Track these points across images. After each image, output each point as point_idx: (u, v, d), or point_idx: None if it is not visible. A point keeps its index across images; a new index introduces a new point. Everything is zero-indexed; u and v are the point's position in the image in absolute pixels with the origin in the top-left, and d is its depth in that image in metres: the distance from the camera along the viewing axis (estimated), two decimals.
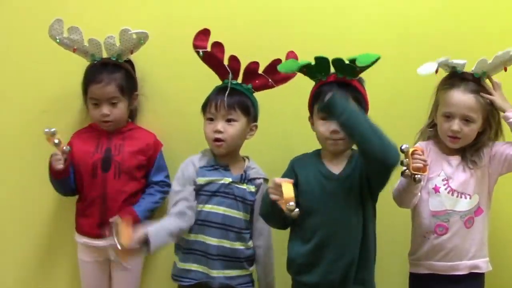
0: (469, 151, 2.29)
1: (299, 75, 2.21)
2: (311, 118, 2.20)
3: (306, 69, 2.17)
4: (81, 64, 2.42)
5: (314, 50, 2.47)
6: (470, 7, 2.54)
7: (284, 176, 2.15)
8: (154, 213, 2.44)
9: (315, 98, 2.16)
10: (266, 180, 2.29)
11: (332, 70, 2.12)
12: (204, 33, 2.23)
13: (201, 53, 2.23)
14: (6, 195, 2.61)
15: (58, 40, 2.35)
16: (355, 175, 2.14)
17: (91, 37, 2.36)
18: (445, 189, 2.27)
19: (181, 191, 2.22)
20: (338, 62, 2.10)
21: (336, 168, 2.17)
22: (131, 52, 2.42)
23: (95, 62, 2.41)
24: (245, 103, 2.24)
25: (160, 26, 2.44)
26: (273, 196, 2.00)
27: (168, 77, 2.55)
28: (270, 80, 2.28)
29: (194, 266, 2.23)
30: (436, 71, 2.24)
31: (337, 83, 2.12)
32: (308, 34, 2.54)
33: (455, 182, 2.27)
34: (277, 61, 2.26)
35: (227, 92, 2.22)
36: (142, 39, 2.37)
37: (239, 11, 2.55)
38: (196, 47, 2.23)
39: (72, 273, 2.55)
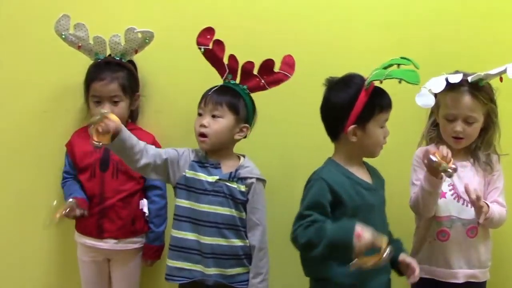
0: (482, 155, 2.31)
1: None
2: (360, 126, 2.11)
3: None
4: (81, 64, 2.43)
5: (315, 54, 2.57)
6: (470, 11, 2.58)
7: (321, 196, 2.04)
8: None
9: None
10: (259, 180, 2.26)
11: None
12: (208, 31, 2.26)
13: (202, 49, 2.26)
14: (6, 195, 2.59)
15: (63, 36, 2.36)
16: (382, 185, 2.19)
17: (96, 35, 2.37)
18: (451, 194, 2.28)
19: (167, 149, 2.25)
20: None
21: (366, 177, 2.16)
22: (136, 52, 2.43)
23: (99, 60, 2.41)
24: (233, 102, 2.24)
25: (161, 27, 2.45)
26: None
27: (169, 78, 2.56)
28: (262, 81, 2.29)
29: (187, 265, 2.22)
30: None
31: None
32: (310, 39, 2.58)
33: (462, 188, 2.26)
34: (269, 61, 2.27)
35: (214, 88, 2.24)
36: (147, 38, 2.39)
37: (243, 12, 2.57)
38: (199, 43, 2.26)
39: (72, 273, 2.52)
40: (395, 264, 2.13)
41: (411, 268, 2.09)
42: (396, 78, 2.06)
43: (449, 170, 2.06)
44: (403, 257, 2.12)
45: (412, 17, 2.58)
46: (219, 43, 2.26)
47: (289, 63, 2.29)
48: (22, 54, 2.56)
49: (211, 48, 2.26)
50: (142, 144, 2.15)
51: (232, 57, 2.27)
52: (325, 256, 2.00)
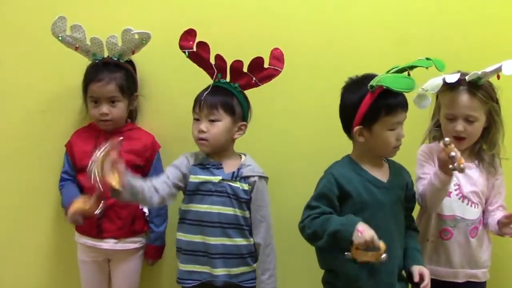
0: (486, 156, 2.30)
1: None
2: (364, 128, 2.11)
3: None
4: (81, 64, 2.43)
5: (315, 54, 2.56)
6: (469, 11, 2.56)
7: (328, 189, 2.08)
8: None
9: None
10: (261, 177, 2.26)
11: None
12: (189, 33, 2.24)
13: (186, 53, 2.24)
14: (6, 195, 2.60)
15: (60, 38, 2.36)
16: (400, 185, 2.17)
17: (94, 36, 2.37)
18: (456, 194, 2.27)
19: (168, 171, 2.24)
20: None
21: (381, 175, 2.16)
22: (133, 53, 2.42)
23: (96, 61, 2.41)
24: (228, 102, 2.23)
25: (160, 27, 2.45)
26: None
27: (168, 78, 2.55)
28: (254, 79, 2.26)
29: (196, 267, 2.23)
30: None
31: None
32: (310, 39, 2.57)
33: (467, 188, 2.28)
34: (258, 59, 2.24)
35: (206, 92, 2.23)
36: (144, 39, 2.38)
37: (244, 12, 2.56)
38: (181, 47, 2.24)
39: (72, 273, 2.53)
40: (409, 273, 2.14)
41: (421, 278, 2.09)
42: (384, 85, 2.05)
43: (462, 166, 2.02)
44: (415, 268, 2.11)
45: (412, 16, 2.56)
46: (202, 45, 2.24)
47: (277, 56, 2.27)
48: (21, 54, 2.56)
49: (195, 51, 2.24)
50: (148, 181, 2.15)
51: (219, 57, 2.24)
52: (328, 247, 2.05)
